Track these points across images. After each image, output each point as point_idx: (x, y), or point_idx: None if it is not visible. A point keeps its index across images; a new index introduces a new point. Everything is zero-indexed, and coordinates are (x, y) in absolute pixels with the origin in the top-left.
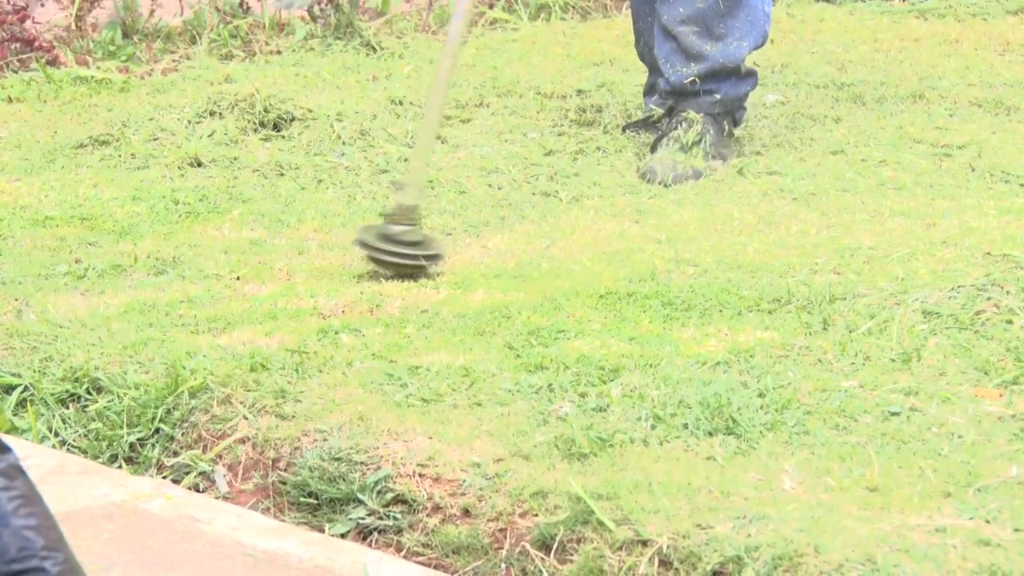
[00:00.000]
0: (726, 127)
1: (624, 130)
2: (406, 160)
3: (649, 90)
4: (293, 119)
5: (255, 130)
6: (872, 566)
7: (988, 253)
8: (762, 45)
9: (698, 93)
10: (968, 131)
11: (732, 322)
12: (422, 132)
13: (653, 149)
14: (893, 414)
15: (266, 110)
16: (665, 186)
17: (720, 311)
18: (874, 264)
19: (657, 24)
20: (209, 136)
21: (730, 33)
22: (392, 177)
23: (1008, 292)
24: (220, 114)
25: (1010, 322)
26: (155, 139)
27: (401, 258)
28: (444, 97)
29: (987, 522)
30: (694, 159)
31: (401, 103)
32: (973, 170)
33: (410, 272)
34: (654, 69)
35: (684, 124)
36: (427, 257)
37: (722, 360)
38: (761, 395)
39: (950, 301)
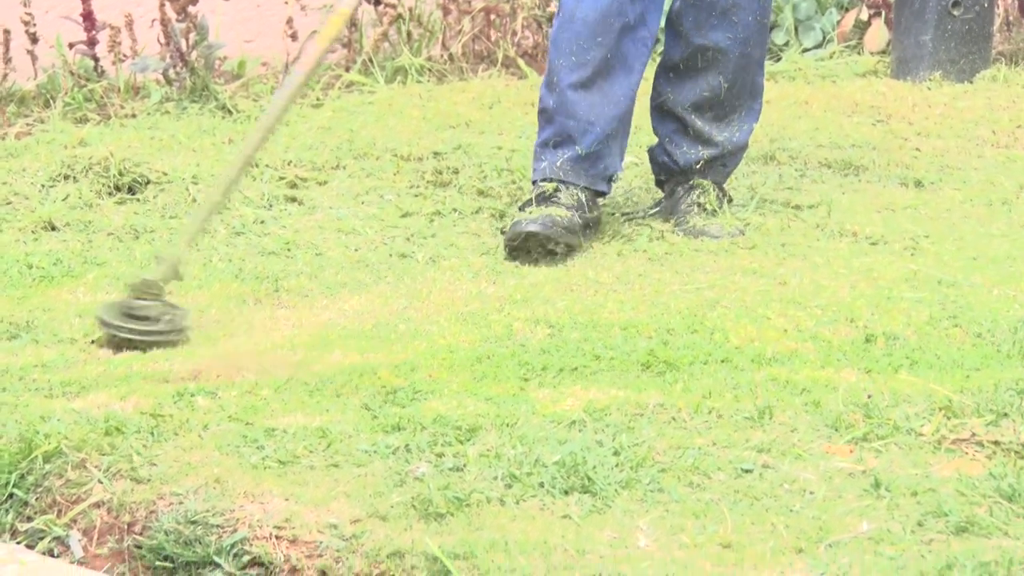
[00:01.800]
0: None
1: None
2: (262, 223)
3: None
4: (148, 182)
5: (110, 194)
6: None
7: (836, 312)
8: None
9: (705, 171)
10: (818, 191)
11: (587, 381)
12: (204, 205)
13: (677, 219)
14: (746, 471)
15: (121, 173)
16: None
17: (575, 370)
18: (727, 322)
19: (656, 99)
20: (63, 200)
21: (736, 115)
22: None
23: (859, 348)
24: (74, 178)
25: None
26: (8, 203)
27: (133, 334)
28: (242, 171)
29: None
30: (727, 220)
31: (257, 165)
32: (822, 229)
33: (146, 346)
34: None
35: (699, 191)
36: (162, 332)
37: (577, 419)
38: (616, 453)
39: (802, 358)
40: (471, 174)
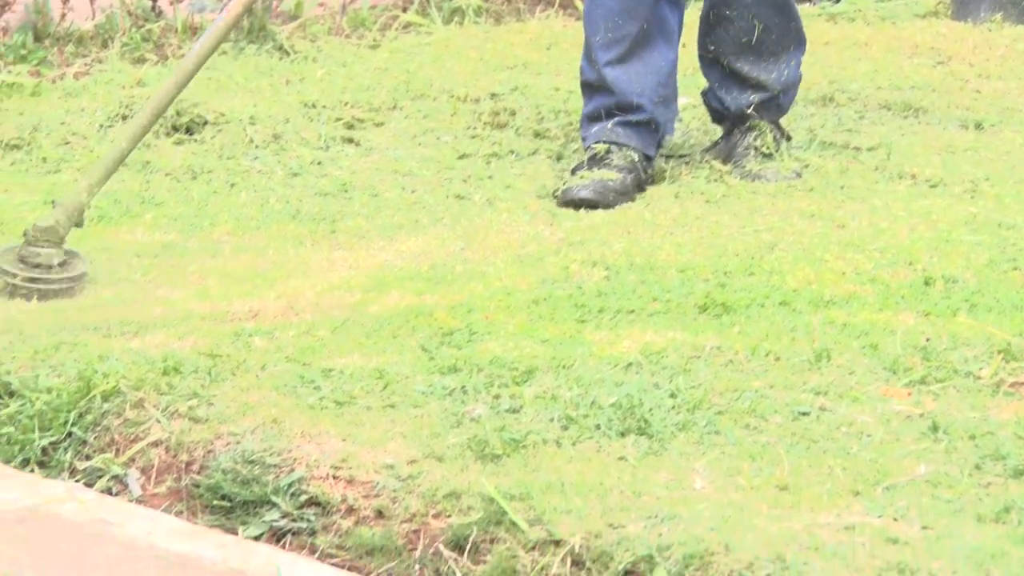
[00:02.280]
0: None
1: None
2: (319, 164)
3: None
4: (206, 123)
5: (167, 134)
6: (782, 564)
7: (895, 255)
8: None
9: (760, 112)
10: (877, 133)
11: (644, 323)
12: (110, 152)
13: (734, 161)
14: (803, 414)
15: (178, 114)
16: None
17: (632, 312)
18: (785, 265)
19: (700, 50)
20: None
21: (780, 54)
22: (298, 179)
23: (918, 291)
24: (132, 118)
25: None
26: (67, 143)
27: (27, 282)
28: (153, 119)
29: (895, 520)
30: (784, 162)
31: (314, 106)
32: (881, 172)
33: (43, 295)
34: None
35: (755, 134)
36: (58, 280)
37: (634, 361)
38: (673, 396)
39: (860, 301)
40: (528, 115)
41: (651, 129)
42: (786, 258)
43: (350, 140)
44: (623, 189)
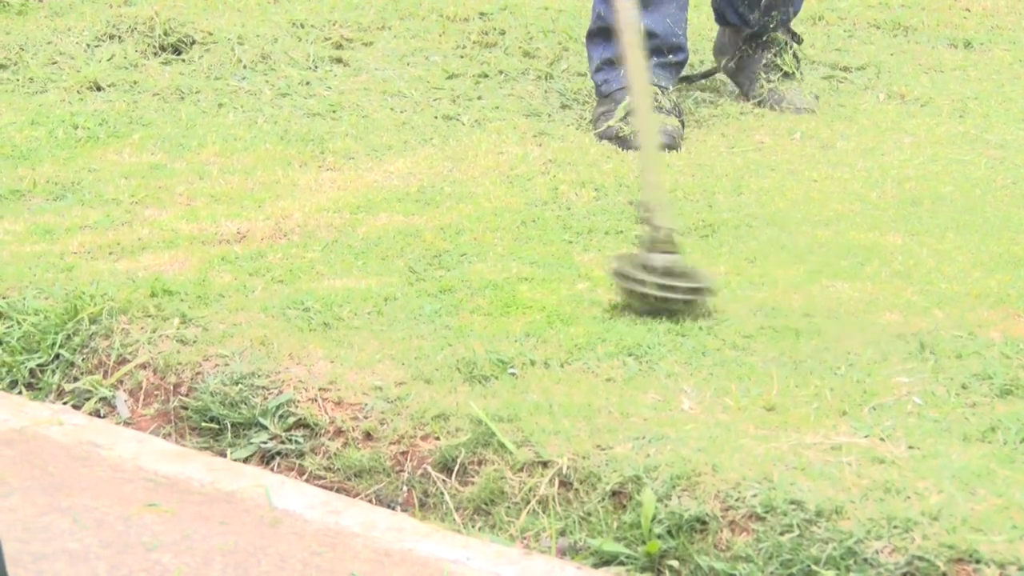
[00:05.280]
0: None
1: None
2: (308, 84)
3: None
4: (193, 42)
5: (155, 54)
6: (769, 484)
7: (883, 174)
8: None
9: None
10: (866, 52)
11: (632, 245)
12: (645, 143)
13: (742, 78)
14: (792, 334)
15: (166, 33)
16: (812, 112)
17: (620, 233)
18: (773, 185)
19: None
20: (108, 60)
21: None
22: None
23: (906, 211)
24: (119, 37)
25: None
26: (54, 63)
27: (669, 292)
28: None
29: (881, 440)
30: (803, 84)
31: (302, 26)
32: (871, 91)
33: (676, 309)
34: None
35: (775, 48)
36: (694, 291)
37: None
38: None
39: (848, 220)
40: (517, 35)
41: (682, 67)
42: (774, 178)
43: (339, 60)
44: (681, 134)
